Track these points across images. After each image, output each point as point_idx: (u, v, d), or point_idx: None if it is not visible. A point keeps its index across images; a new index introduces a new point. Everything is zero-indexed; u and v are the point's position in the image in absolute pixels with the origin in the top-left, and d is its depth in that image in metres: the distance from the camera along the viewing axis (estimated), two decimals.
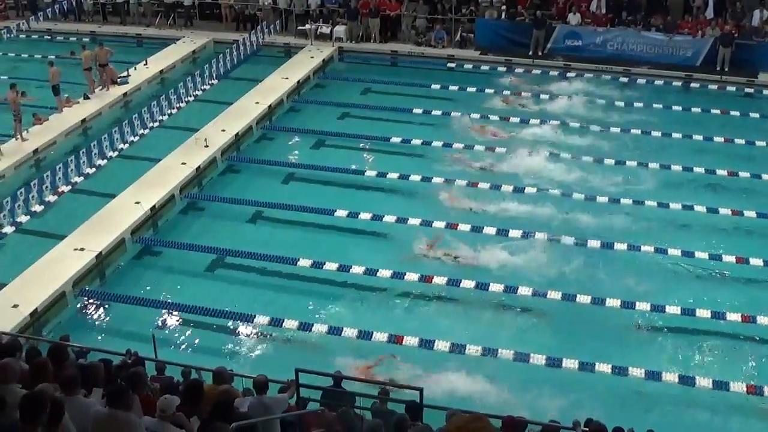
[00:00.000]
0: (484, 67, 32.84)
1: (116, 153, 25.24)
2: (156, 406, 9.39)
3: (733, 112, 28.14)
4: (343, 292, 18.99)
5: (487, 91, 30.18)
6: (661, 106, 28.52)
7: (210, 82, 30.58)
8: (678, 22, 32.81)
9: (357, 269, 19.28)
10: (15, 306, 17.65)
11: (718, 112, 28.20)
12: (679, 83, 30.99)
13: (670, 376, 16.08)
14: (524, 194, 22.73)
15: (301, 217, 21.83)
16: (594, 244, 20.27)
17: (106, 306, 18.66)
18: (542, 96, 29.62)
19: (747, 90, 30.57)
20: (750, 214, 21.63)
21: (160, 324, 17.76)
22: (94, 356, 13.21)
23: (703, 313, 17.73)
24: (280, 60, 33.43)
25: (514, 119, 27.69)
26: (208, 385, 11.62)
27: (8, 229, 21.17)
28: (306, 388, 12.75)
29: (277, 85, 30.46)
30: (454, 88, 30.54)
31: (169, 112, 27.91)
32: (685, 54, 31.71)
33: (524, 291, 18.55)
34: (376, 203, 22.53)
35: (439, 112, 28.30)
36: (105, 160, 24.85)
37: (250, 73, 32.02)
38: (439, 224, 21.12)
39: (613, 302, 18.11)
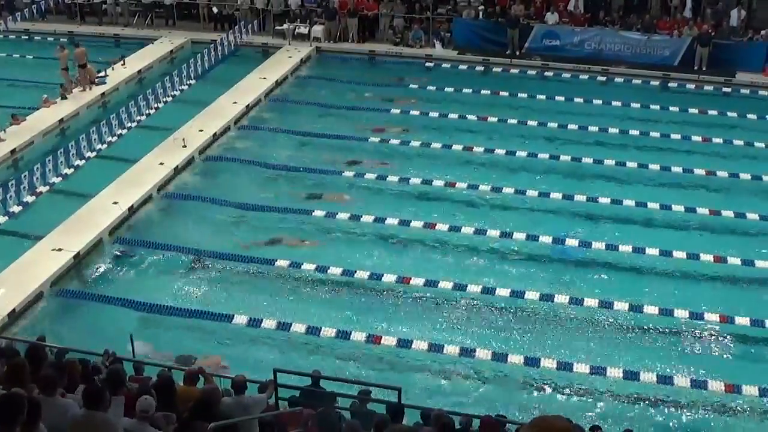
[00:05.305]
0: (462, 67, 32.89)
1: (94, 153, 25.11)
2: (134, 406, 9.33)
3: (711, 112, 28.25)
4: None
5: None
6: (639, 105, 28.63)
7: (188, 82, 30.51)
8: (656, 21, 32.98)
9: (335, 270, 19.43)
10: None
11: (695, 111, 28.30)
12: (657, 83, 31.11)
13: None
14: None
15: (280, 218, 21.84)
16: None
17: (84, 306, 18.55)
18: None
19: (725, 89, 30.71)
20: (727, 213, 21.76)
21: (138, 324, 17.65)
22: (73, 357, 13.11)
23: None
24: (257, 60, 33.36)
25: None
26: (184, 386, 11.57)
27: None
28: (284, 388, 12.73)
29: (254, 85, 30.43)
30: None
31: (147, 112, 27.83)
32: (663, 53, 31.87)
33: None
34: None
35: None
36: (83, 161, 24.70)
37: (227, 73, 31.89)
38: None
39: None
